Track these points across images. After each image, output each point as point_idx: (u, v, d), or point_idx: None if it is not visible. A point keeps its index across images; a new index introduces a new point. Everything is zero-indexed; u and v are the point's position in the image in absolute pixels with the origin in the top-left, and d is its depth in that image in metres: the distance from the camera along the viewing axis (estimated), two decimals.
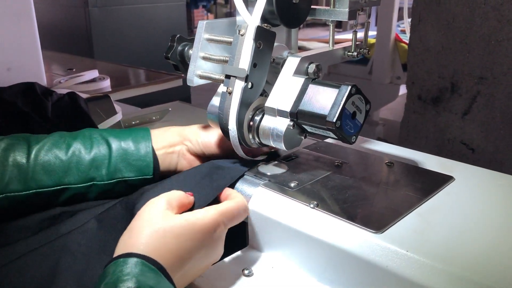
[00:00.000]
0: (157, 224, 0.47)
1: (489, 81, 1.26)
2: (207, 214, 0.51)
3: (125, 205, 0.57)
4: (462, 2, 1.27)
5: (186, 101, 1.19)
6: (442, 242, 0.49)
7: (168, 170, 0.67)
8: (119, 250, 0.46)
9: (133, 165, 0.62)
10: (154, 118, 1.05)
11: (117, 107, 1.00)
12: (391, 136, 2.44)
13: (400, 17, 2.29)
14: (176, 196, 0.53)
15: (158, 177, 0.64)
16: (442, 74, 1.36)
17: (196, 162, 0.68)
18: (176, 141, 0.67)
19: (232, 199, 0.56)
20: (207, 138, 0.67)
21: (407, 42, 1.48)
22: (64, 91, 0.92)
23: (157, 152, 0.64)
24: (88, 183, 0.60)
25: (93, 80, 1.39)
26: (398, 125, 1.57)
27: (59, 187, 0.59)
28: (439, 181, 0.62)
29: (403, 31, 2.34)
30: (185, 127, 0.69)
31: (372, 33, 2.35)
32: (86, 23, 2.53)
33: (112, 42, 2.63)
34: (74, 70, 1.57)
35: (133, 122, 1.03)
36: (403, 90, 2.16)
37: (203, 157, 0.68)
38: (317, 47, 2.58)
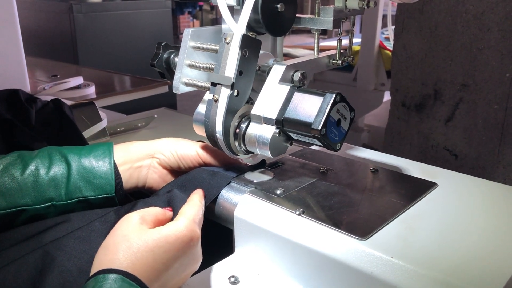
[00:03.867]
0: (132, 239, 0.47)
1: (471, 88, 1.28)
2: (180, 225, 0.50)
3: (118, 215, 0.56)
4: (444, 11, 1.29)
5: (172, 107, 1.19)
6: (426, 248, 0.50)
7: (136, 186, 0.64)
8: (96, 267, 0.46)
9: (94, 183, 0.59)
10: (139, 125, 1.05)
11: (102, 114, 1.00)
12: (376, 142, 2.46)
13: (384, 25, 2.32)
14: (152, 212, 0.52)
15: (121, 195, 0.62)
16: (425, 81, 1.38)
17: (168, 176, 0.66)
18: (144, 155, 0.65)
19: (191, 201, 0.56)
20: (186, 150, 0.65)
21: (391, 49, 1.50)
22: (49, 98, 0.91)
23: (121, 168, 0.62)
24: (46, 204, 0.58)
25: (78, 87, 1.38)
26: (383, 131, 1.59)
27: (15, 209, 0.56)
28: (423, 187, 0.63)
29: (387, 38, 2.37)
30: (154, 141, 0.66)
31: (356, 40, 2.38)
32: (71, 29, 2.51)
33: (97, 49, 2.62)
34: (58, 76, 1.56)
35: (118, 129, 1.02)
36: (387, 96, 2.18)
37: (175, 171, 0.67)
38: (302, 54, 2.58)
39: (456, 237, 0.52)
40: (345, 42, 0.72)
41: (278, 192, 0.61)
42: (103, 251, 0.47)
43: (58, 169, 0.59)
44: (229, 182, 0.63)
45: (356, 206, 0.58)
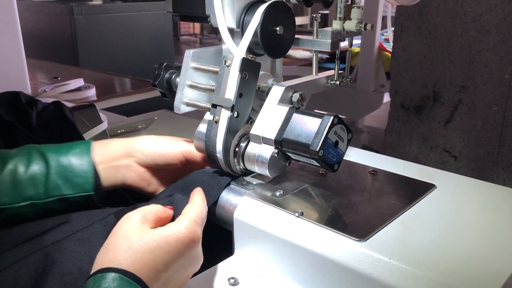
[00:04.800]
0: (133, 239, 0.47)
1: (470, 90, 1.28)
2: (181, 226, 0.50)
3: (118, 217, 0.57)
4: (443, 13, 1.30)
5: (172, 109, 1.19)
6: (424, 249, 0.50)
7: (115, 184, 0.64)
8: (96, 266, 0.46)
9: (72, 181, 0.59)
10: (140, 126, 1.05)
11: (102, 116, 1.00)
12: (375, 143, 2.46)
13: (384, 26, 2.32)
14: (153, 210, 0.52)
15: (100, 193, 0.61)
16: (424, 83, 1.38)
17: (147, 174, 0.66)
18: (121, 154, 0.64)
19: (193, 201, 0.56)
20: (168, 148, 0.65)
21: (391, 50, 1.51)
22: (49, 100, 0.91)
23: (99, 167, 0.61)
24: (25, 202, 0.57)
25: (79, 89, 1.39)
26: (382, 132, 1.59)
27: None
28: (421, 189, 0.64)
29: (387, 40, 2.37)
30: (133, 138, 0.66)
31: (356, 41, 2.38)
32: (72, 31, 2.52)
33: (98, 51, 2.62)
34: (59, 78, 1.56)
35: (119, 131, 1.03)
36: (387, 98, 2.18)
37: (155, 169, 0.66)
38: (302, 56, 2.55)
39: (454, 238, 0.53)
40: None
41: (277, 193, 0.61)
42: (104, 250, 0.48)
43: (37, 168, 0.59)
44: (229, 184, 0.64)
45: (355, 207, 0.58)
